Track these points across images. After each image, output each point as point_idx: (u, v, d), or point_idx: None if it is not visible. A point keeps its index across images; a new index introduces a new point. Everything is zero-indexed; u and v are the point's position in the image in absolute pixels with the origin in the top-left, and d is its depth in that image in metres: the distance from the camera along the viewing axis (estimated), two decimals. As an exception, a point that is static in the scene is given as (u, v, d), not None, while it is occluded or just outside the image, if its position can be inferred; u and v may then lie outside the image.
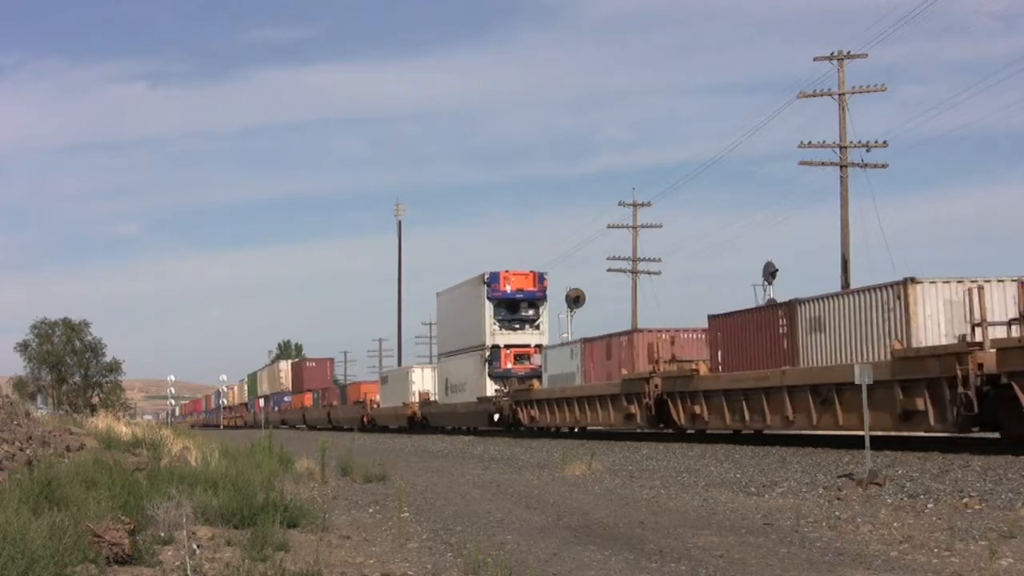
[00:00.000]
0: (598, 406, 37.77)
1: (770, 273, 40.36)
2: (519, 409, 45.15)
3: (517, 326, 50.12)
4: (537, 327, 50.26)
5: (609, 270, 64.48)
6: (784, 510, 15.08)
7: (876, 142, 45.16)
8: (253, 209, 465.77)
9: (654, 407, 33.41)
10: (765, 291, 39.45)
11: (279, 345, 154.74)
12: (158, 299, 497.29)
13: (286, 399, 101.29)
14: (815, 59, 46.30)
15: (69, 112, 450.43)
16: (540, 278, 50.42)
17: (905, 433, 24.07)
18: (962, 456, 19.80)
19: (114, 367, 78.20)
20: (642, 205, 64.16)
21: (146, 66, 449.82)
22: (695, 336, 35.07)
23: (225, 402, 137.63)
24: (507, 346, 49.43)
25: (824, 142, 45.47)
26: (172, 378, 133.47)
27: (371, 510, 16.41)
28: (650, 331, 36.30)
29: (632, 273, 63.94)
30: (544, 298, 50.48)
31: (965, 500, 15.03)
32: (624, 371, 35.90)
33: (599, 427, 39.29)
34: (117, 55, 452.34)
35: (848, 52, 45.47)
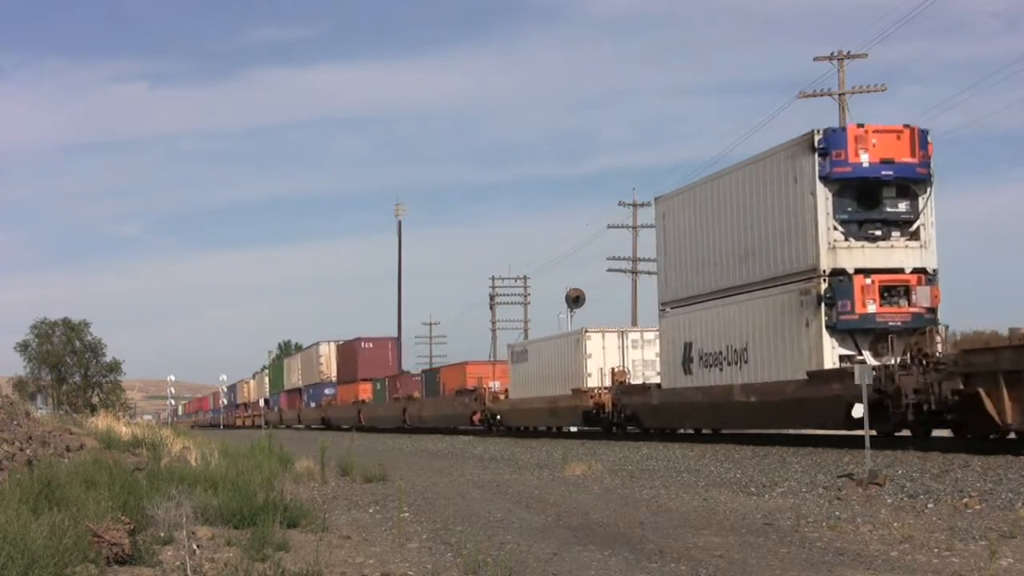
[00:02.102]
0: None
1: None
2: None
3: (879, 232, 26.34)
4: (915, 235, 26.30)
5: (609, 270, 64.50)
6: (784, 510, 15.08)
7: (876, 142, 44.89)
8: (253, 209, 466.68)
9: None
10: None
11: (279, 345, 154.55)
12: (158, 299, 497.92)
13: (327, 391, 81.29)
14: (815, 59, 46.30)
15: (69, 112, 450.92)
16: (922, 138, 25.94)
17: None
18: (962, 456, 19.78)
19: (114, 367, 78.29)
20: (642, 205, 64.02)
21: (147, 66, 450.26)
22: None
23: (237, 399, 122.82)
24: (864, 271, 25.77)
25: (824, 142, 45.33)
26: (172, 378, 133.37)
27: (371, 510, 16.41)
28: None
29: (632, 273, 63.94)
30: (929, 179, 26.21)
31: (965, 500, 15.02)
32: None
33: None
34: (118, 55, 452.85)
35: (848, 52, 45.51)
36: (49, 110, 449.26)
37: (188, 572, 9.66)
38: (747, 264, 28.42)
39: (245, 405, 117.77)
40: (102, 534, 10.09)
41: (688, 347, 31.44)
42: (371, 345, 76.96)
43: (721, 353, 29.59)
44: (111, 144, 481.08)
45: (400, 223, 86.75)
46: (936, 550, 11.18)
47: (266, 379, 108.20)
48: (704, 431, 33.26)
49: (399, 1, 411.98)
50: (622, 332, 41.36)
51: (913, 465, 19.14)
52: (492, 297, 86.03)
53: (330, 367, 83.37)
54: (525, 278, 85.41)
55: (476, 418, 50.10)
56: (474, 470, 25.42)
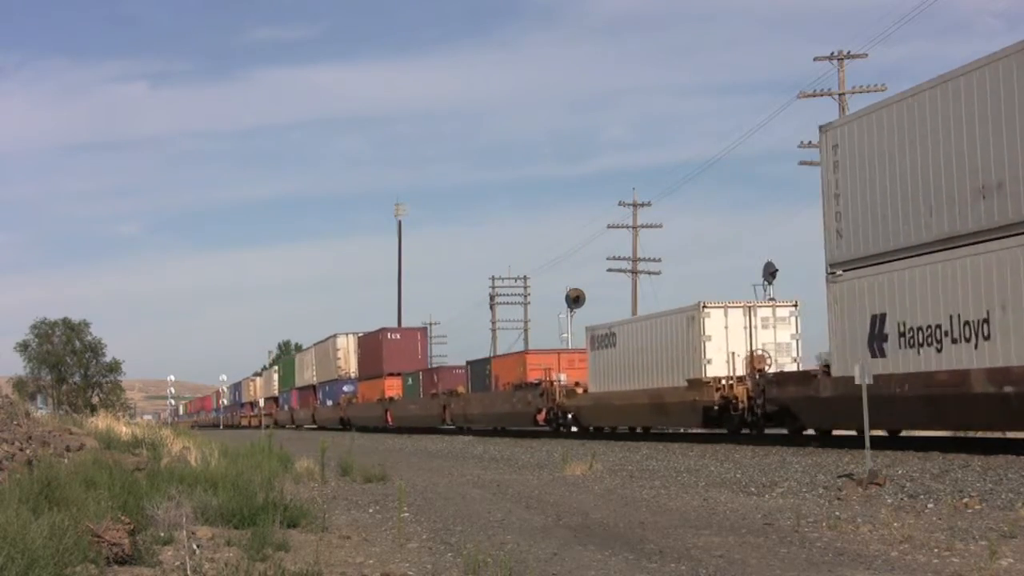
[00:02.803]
0: None
1: (770, 273, 40.33)
2: None
3: None
4: None
5: (609, 270, 64.58)
6: (784, 510, 15.08)
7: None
8: (253, 209, 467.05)
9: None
10: (765, 291, 39.38)
11: (279, 345, 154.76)
12: (158, 299, 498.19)
13: (346, 389, 74.00)
14: (815, 59, 46.32)
15: (70, 112, 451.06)
16: None
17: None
18: (962, 456, 19.79)
19: (114, 367, 78.45)
20: (642, 205, 64.21)
21: (147, 66, 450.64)
22: None
23: (242, 397, 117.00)
24: None
25: (824, 142, 45.34)
26: (172, 378, 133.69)
27: (371, 510, 16.41)
28: None
29: (632, 273, 63.99)
30: None
31: (965, 500, 15.02)
32: None
33: None
34: (118, 55, 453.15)
35: (848, 52, 45.53)
36: (49, 110, 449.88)
37: (188, 572, 9.66)
38: (991, 201, 20.42)
39: (251, 404, 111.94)
40: (102, 534, 10.09)
41: (879, 320, 23.62)
42: (398, 336, 68.33)
43: (939, 327, 21.81)
44: (111, 144, 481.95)
45: (400, 223, 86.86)
46: (936, 550, 11.17)
47: (275, 376, 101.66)
48: (911, 432, 26.11)
49: (399, 1, 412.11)
50: (749, 307, 33.86)
51: (913, 465, 19.14)
52: (492, 297, 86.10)
53: (349, 362, 75.55)
54: (525, 278, 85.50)
55: (542, 417, 42.91)
56: (474, 470, 25.42)
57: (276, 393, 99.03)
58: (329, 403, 76.61)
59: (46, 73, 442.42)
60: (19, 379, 75.56)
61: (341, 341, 76.92)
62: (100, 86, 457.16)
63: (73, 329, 77.53)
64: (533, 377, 44.67)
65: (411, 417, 58.70)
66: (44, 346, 76.40)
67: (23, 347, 76.32)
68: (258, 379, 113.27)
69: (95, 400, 73.07)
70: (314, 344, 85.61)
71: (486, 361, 54.15)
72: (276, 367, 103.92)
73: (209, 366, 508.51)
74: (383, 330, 68.91)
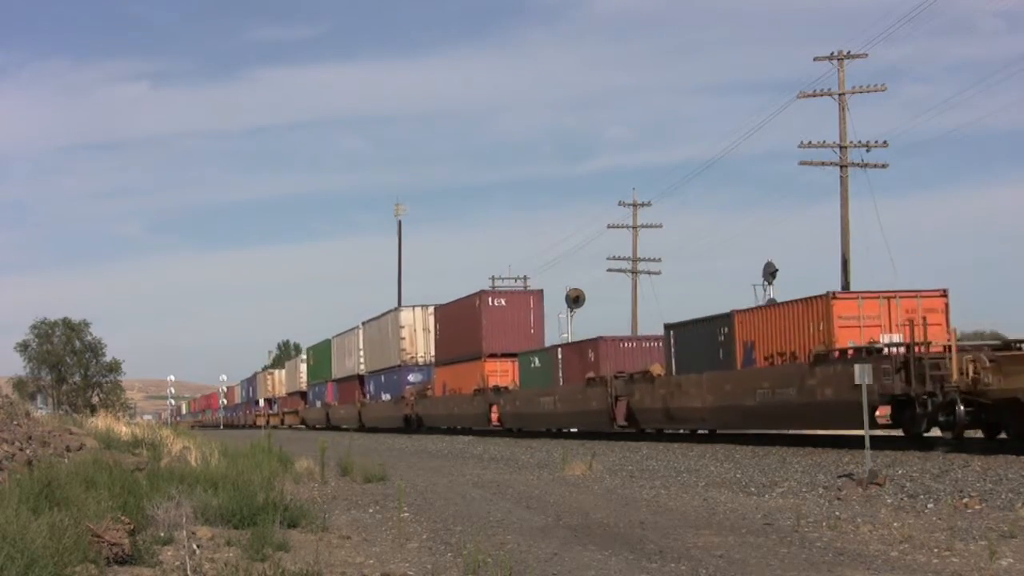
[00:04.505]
0: None
1: (770, 273, 40.36)
2: None
3: None
4: None
5: (609, 270, 64.42)
6: (784, 510, 15.08)
7: (876, 142, 45.21)
8: (253, 209, 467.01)
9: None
10: (765, 291, 39.42)
11: (279, 345, 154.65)
12: (158, 299, 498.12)
13: (413, 378, 56.80)
14: (815, 59, 46.25)
15: (71, 112, 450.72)
16: None
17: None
18: (962, 456, 19.80)
19: (114, 367, 78.34)
20: (642, 205, 64.01)
21: (148, 66, 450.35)
22: None
23: (257, 393, 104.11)
24: None
25: (824, 142, 45.50)
26: (172, 378, 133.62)
27: (371, 510, 16.41)
28: None
29: (632, 273, 63.92)
30: None
31: (965, 500, 15.03)
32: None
33: None
34: (119, 55, 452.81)
35: (848, 52, 45.48)
36: (51, 110, 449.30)
37: (188, 572, 9.66)
38: None
39: (269, 401, 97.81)
40: (102, 534, 10.09)
41: None
42: (503, 302, 49.68)
43: None
44: (111, 144, 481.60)
45: (400, 223, 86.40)
46: (936, 550, 11.17)
47: (302, 366, 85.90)
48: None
49: (401, 1, 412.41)
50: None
51: (913, 465, 19.14)
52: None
53: (415, 342, 58.35)
54: (525, 278, 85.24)
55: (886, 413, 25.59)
56: (474, 470, 25.41)
57: (303, 387, 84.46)
58: (386, 397, 60.46)
59: (47, 73, 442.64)
60: (19, 379, 75.48)
61: (406, 316, 59.31)
62: (100, 86, 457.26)
63: (73, 329, 77.46)
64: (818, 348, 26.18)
65: (544, 415, 42.10)
66: (44, 346, 76.35)
67: (23, 347, 76.29)
68: (277, 372, 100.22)
69: (95, 400, 72.99)
70: (362, 323, 68.19)
71: (718, 319, 31.81)
72: (305, 356, 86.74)
73: (209, 366, 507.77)
74: (482, 293, 50.25)
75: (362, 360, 66.91)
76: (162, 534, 11.80)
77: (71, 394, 74.24)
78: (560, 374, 40.88)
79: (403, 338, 58.55)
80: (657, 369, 33.70)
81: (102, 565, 9.77)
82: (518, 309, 49.25)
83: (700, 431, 33.16)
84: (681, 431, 33.76)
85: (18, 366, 76.76)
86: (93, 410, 53.03)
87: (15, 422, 20.46)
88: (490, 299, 49.60)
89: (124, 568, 10.08)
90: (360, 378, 66.89)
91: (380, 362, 62.51)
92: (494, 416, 46.01)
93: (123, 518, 10.82)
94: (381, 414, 61.06)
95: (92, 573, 9.41)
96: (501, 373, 46.84)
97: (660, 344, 35.54)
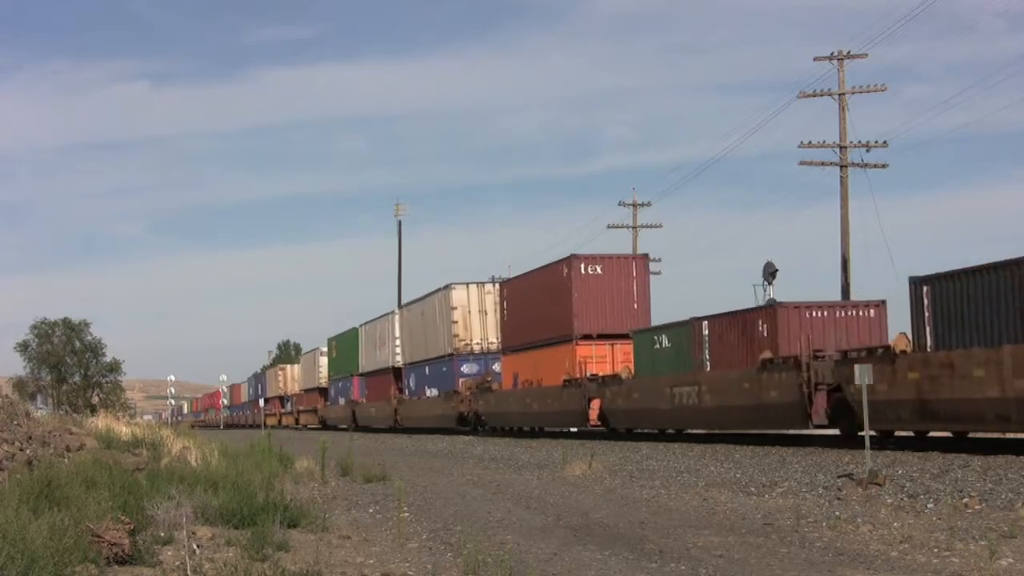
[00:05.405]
0: None
1: (770, 273, 40.32)
2: None
3: None
4: None
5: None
6: (784, 510, 15.08)
7: (876, 142, 45.23)
8: (254, 209, 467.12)
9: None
10: (765, 291, 39.40)
11: (279, 345, 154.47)
12: (158, 299, 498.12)
13: (467, 369, 48.86)
14: (815, 59, 46.28)
15: (71, 112, 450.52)
16: None
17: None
18: (962, 456, 19.80)
19: (114, 367, 78.26)
20: (642, 205, 63.95)
21: (149, 66, 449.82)
22: None
23: (267, 391, 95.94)
24: None
25: (824, 142, 45.52)
26: (172, 378, 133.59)
27: (371, 510, 16.41)
28: None
29: (632, 273, 63.72)
30: None
31: (965, 500, 15.03)
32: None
33: None
34: (120, 55, 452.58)
35: (848, 52, 45.50)
36: (51, 110, 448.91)
37: (188, 572, 9.66)
38: None
39: (281, 399, 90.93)
40: (102, 534, 10.09)
41: None
42: (599, 269, 39.64)
43: None
44: (112, 144, 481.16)
45: (400, 223, 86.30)
46: (936, 550, 11.18)
47: (321, 359, 77.35)
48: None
49: (401, 1, 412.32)
50: None
51: (913, 465, 19.14)
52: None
53: (470, 327, 49.40)
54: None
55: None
56: (474, 470, 25.41)
57: (323, 383, 76.30)
58: (431, 392, 51.83)
59: (48, 73, 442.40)
60: (19, 379, 75.43)
61: (459, 295, 49.74)
62: (101, 86, 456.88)
63: (73, 329, 77.41)
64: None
65: (673, 412, 32.63)
66: (44, 346, 76.30)
67: (23, 347, 76.23)
68: (290, 367, 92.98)
69: (95, 400, 72.94)
70: (402, 306, 59.98)
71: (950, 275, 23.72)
72: (328, 348, 76.64)
73: (209, 366, 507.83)
74: (571, 259, 39.99)
75: (399, 350, 58.34)
76: (162, 534, 11.80)
77: (71, 394, 74.18)
78: (706, 355, 31.44)
79: (455, 321, 49.37)
80: (901, 343, 23.46)
81: (102, 565, 9.77)
82: (619, 277, 39.52)
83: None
84: (962, 435, 23.76)
85: (18, 366, 76.76)
86: (93, 410, 52.98)
87: (15, 422, 20.46)
88: (583, 265, 39.56)
89: (124, 568, 10.08)
90: (396, 371, 58.55)
91: (424, 351, 53.70)
92: (592, 414, 37.16)
93: (123, 518, 10.82)
94: (425, 412, 52.67)
95: (92, 573, 9.41)
96: (598, 359, 38.17)
97: (868, 313, 28.21)
